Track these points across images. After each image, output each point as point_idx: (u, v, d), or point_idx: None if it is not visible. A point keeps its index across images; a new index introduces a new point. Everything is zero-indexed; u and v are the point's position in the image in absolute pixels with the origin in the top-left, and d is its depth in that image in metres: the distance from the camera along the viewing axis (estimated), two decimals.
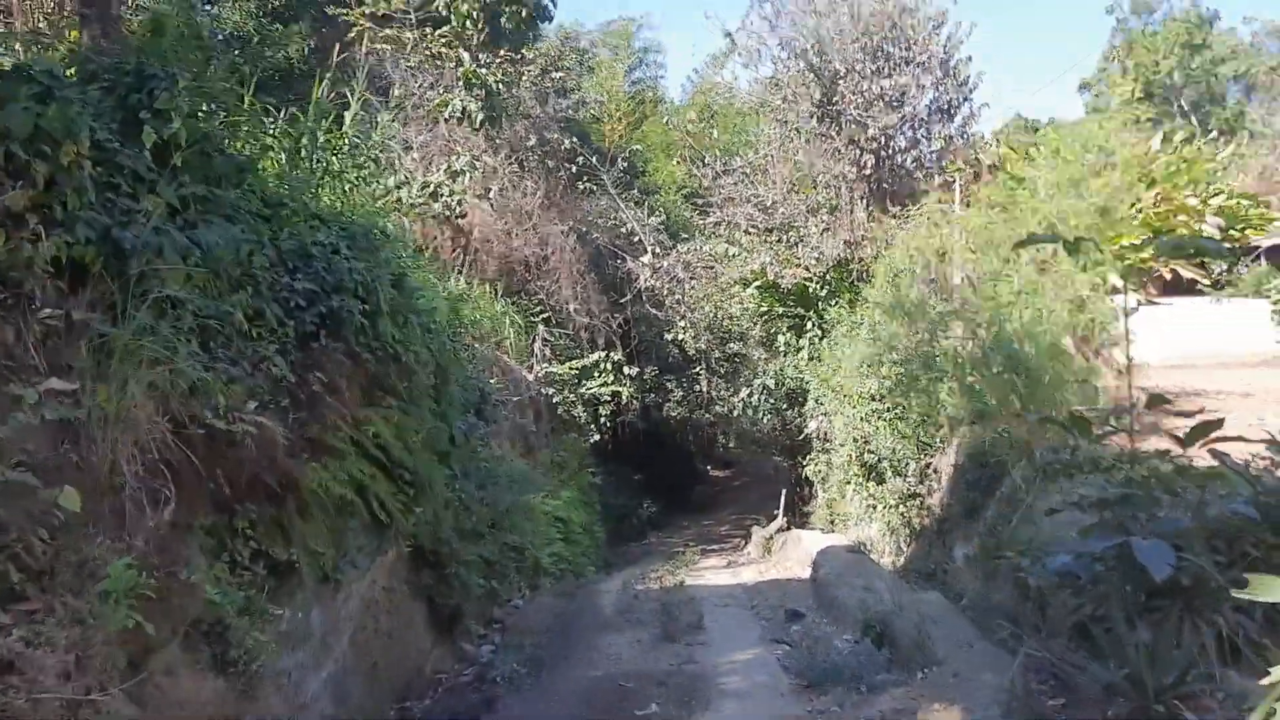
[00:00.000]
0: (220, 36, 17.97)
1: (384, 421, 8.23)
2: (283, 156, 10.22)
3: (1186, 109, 34.55)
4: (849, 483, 18.09)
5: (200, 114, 6.56)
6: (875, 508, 15.47)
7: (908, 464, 14.60)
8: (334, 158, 11.83)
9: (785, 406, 23.55)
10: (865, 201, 20.73)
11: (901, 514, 14.54)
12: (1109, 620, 4.92)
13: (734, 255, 23.25)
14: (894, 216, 17.42)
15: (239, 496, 6.21)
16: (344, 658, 7.77)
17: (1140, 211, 15.16)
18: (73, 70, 7.55)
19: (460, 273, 21.66)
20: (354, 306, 7.56)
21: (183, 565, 5.61)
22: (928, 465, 14.33)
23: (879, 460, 15.05)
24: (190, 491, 5.81)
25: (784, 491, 24.95)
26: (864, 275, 20.50)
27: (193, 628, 5.75)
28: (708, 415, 29.58)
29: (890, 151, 20.65)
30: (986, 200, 14.11)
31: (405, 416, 8.75)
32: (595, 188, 26.19)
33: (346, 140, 12.14)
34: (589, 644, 11.26)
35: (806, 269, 21.56)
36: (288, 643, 6.80)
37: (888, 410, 15.06)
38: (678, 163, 30.09)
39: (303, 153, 10.81)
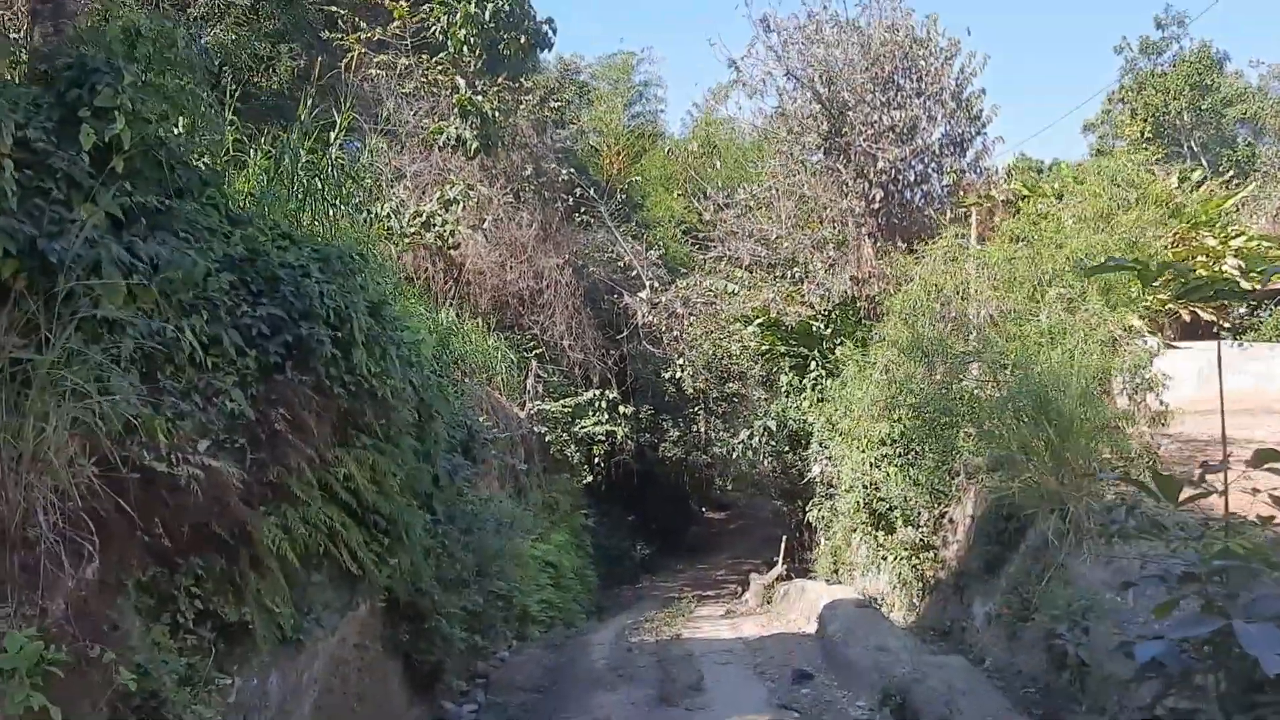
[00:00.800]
0: (206, 54, 17.34)
1: (357, 463, 7.44)
2: (262, 177, 9.54)
3: (1196, 150, 34.14)
4: (855, 530, 17.26)
5: (153, 117, 5.82)
6: (885, 558, 14.65)
7: (920, 513, 13.81)
8: (317, 180, 11.15)
9: (786, 449, 22.75)
10: (873, 237, 20.09)
11: (913, 566, 13.72)
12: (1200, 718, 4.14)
13: (735, 291, 22.56)
14: (909, 252, 16.71)
15: (182, 549, 5.42)
16: None
17: (1162, 250, 14.49)
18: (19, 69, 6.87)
19: (451, 305, 20.95)
20: (324, 335, 6.80)
21: (106, 631, 4.81)
22: (942, 515, 13.54)
23: (890, 508, 14.26)
24: (122, 545, 5.02)
25: (784, 538, 24.11)
26: (872, 313, 19.82)
27: (121, 703, 4.94)
28: (705, 456, 28.75)
29: (900, 185, 20.06)
30: (1010, 234, 13.42)
31: (381, 457, 7.95)
32: (592, 220, 25.55)
33: (331, 161, 11.46)
34: (580, 704, 10.41)
35: (811, 306, 20.87)
36: (239, 715, 5.97)
37: (899, 456, 14.29)
38: (678, 197, 29.48)
39: (283, 173, 10.12)
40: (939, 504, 13.76)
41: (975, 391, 11.52)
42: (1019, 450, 10.25)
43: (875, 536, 15.57)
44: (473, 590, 12.36)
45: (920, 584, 13.76)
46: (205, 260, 5.89)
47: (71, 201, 5.11)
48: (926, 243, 17.01)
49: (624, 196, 27.60)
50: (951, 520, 13.34)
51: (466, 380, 17.93)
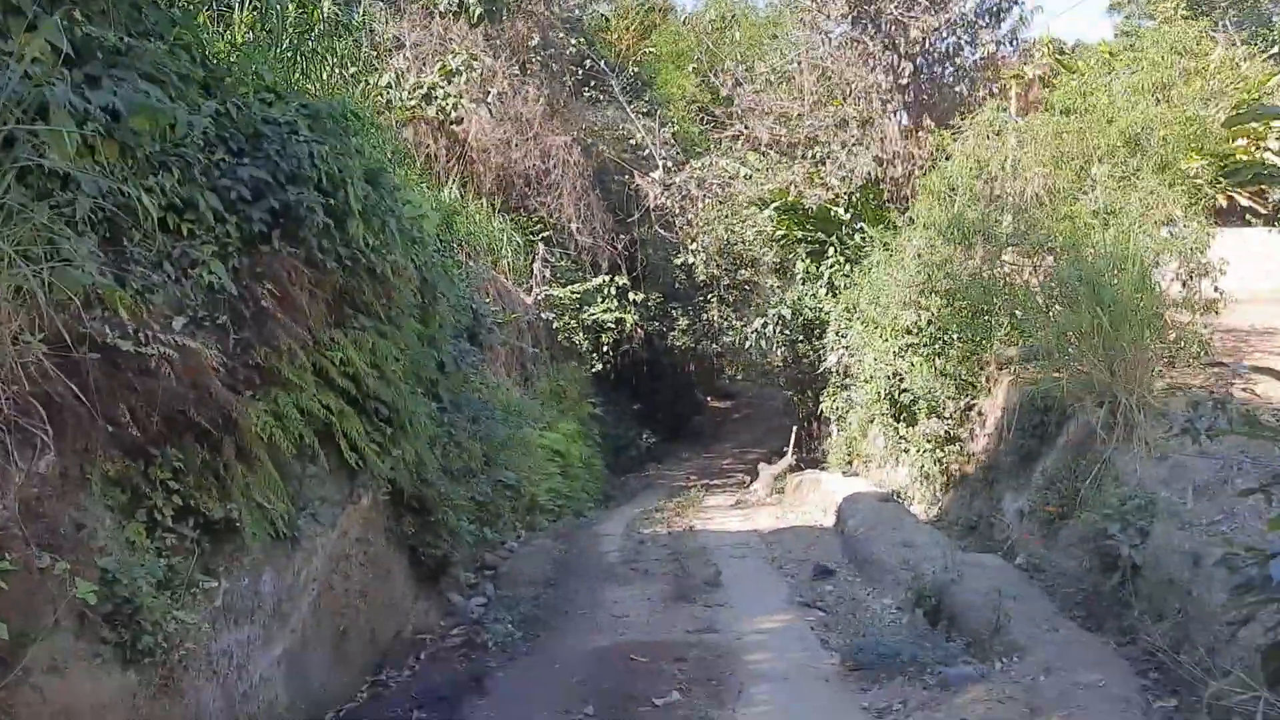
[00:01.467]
0: None
1: (355, 346, 6.79)
2: (247, 34, 8.64)
3: (1230, 29, 32.51)
4: (873, 422, 16.71)
5: None
6: (907, 451, 14.11)
7: (945, 404, 13.20)
8: (308, 39, 10.25)
9: (800, 338, 22.05)
10: (900, 115, 19.03)
11: (937, 459, 13.18)
12: None
13: (751, 175, 21.53)
14: (948, 127, 15.63)
15: (156, 439, 4.79)
16: (304, 627, 6.44)
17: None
18: None
19: (455, 184, 20.06)
20: (315, 201, 6.06)
21: (66, 533, 4.21)
22: (969, 407, 12.93)
23: (913, 400, 13.65)
24: (82, 434, 4.38)
25: (794, 429, 23.64)
26: (896, 197, 18.92)
27: (90, 611, 4.39)
28: (714, 345, 28.13)
29: (931, 59, 18.92)
30: (1057, 106, 12.44)
31: (382, 340, 7.30)
32: (602, 97, 24.35)
33: (323, 17, 10.53)
34: (592, 599, 9.98)
35: (832, 189, 19.90)
36: (228, 618, 5.45)
37: (925, 345, 13.62)
38: (691, 74, 28.06)
39: (270, 29, 9.22)
40: (965, 395, 13.15)
41: (1019, 275, 10.75)
42: (1063, 338, 9.59)
43: (895, 428, 15.02)
44: (481, 480, 11.88)
45: (944, 478, 13.26)
46: (176, 109, 5.11)
47: (8, 28, 4.32)
48: (960, 121, 15.99)
49: (635, 72, 26.28)
50: (980, 413, 12.75)
51: (471, 263, 17.20)
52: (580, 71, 23.77)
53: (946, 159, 14.00)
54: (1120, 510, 7.60)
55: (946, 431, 13.22)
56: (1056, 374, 9.97)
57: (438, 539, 9.12)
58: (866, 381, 16.13)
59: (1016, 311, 12.05)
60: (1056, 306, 9.38)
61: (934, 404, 13.43)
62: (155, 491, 4.81)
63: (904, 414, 14.62)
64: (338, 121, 6.54)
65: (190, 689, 4.95)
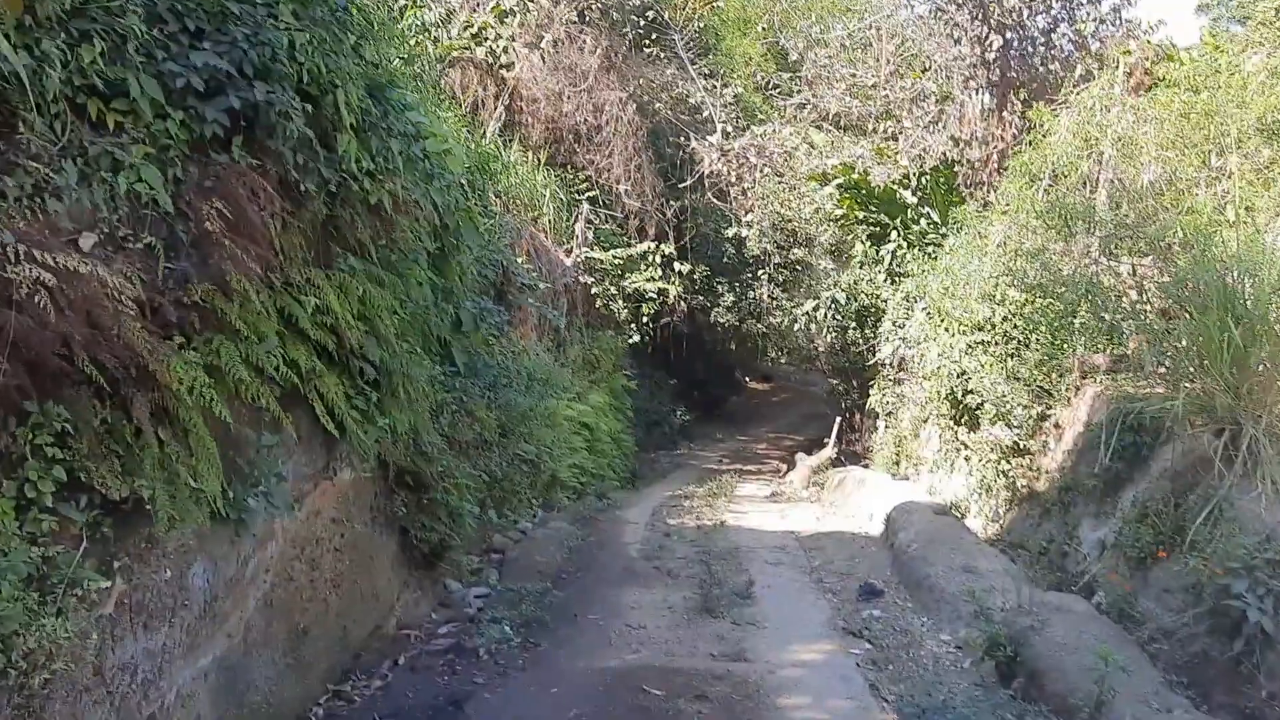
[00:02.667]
0: None
1: (339, 291, 5.57)
2: None
3: None
4: (927, 421, 15.35)
5: None
6: (968, 458, 12.74)
7: (1015, 411, 11.81)
8: None
9: (852, 325, 20.64)
10: (983, 94, 17.49)
11: (1002, 471, 11.82)
12: None
13: (818, 146, 20.03)
14: (1048, 101, 14.03)
15: (28, 391, 3.61)
16: (248, 629, 5.29)
17: None
18: None
19: (499, 131, 18.82)
20: (292, 106, 4.82)
21: None
22: (1043, 416, 11.54)
23: (980, 402, 12.27)
24: None
25: (837, 420, 22.30)
26: (971, 182, 17.40)
27: None
28: (759, 325, 26.77)
29: (1023, 34, 17.35)
30: (1182, 83, 10.92)
31: (377, 288, 6.09)
32: (663, 54, 22.91)
33: None
34: (606, 603, 8.79)
35: (902, 167, 18.39)
36: (135, 622, 4.29)
37: (997, 343, 12.22)
38: (762, 31, 26.37)
39: None
40: (1040, 403, 11.75)
41: (1119, 274, 9.34)
42: (1178, 350, 8.20)
43: (954, 431, 13.66)
44: (495, 454, 10.73)
45: (1008, 493, 11.88)
46: None
47: None
48: (1048, 103, 14.44)
49: (699, 30, 24.74)
50: (1056, 424, 11.34)
51: (509, 215, 15.99)
52: (642, 24, 22.33)
53: (1044, 137, 12.50)
54: (1248, 563, 6.26)
55: (1015, 441, 11.83)
56: (1160, 390, 8.58)
57: (434, 521, 7.97)
58: (925, 378, 14.75)
59: (1105, 315, 10.66)
60: (1173, 312, 7.96)
61: (1003, 409, 12.04)
62: (29, 461, 3.64)
63: (966, 417, 13.24)
64: (333, 9, 5.29)
65: (61, 718, 3.80)
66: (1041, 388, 11.72)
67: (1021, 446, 11.83)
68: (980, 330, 12.81)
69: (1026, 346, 11.93)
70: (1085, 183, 10.74)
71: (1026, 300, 11.37)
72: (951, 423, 13.71)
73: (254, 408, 4.88)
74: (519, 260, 13.21)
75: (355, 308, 5.72)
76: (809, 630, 8.18)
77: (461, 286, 9.31)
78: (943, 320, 13.66)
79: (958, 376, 13.04)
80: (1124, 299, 9.49)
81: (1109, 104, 11.40)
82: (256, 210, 4.64)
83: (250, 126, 4.70)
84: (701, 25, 25.13)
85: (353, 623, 6.73)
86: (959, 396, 13.19)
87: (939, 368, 13.57)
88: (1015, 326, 12.13)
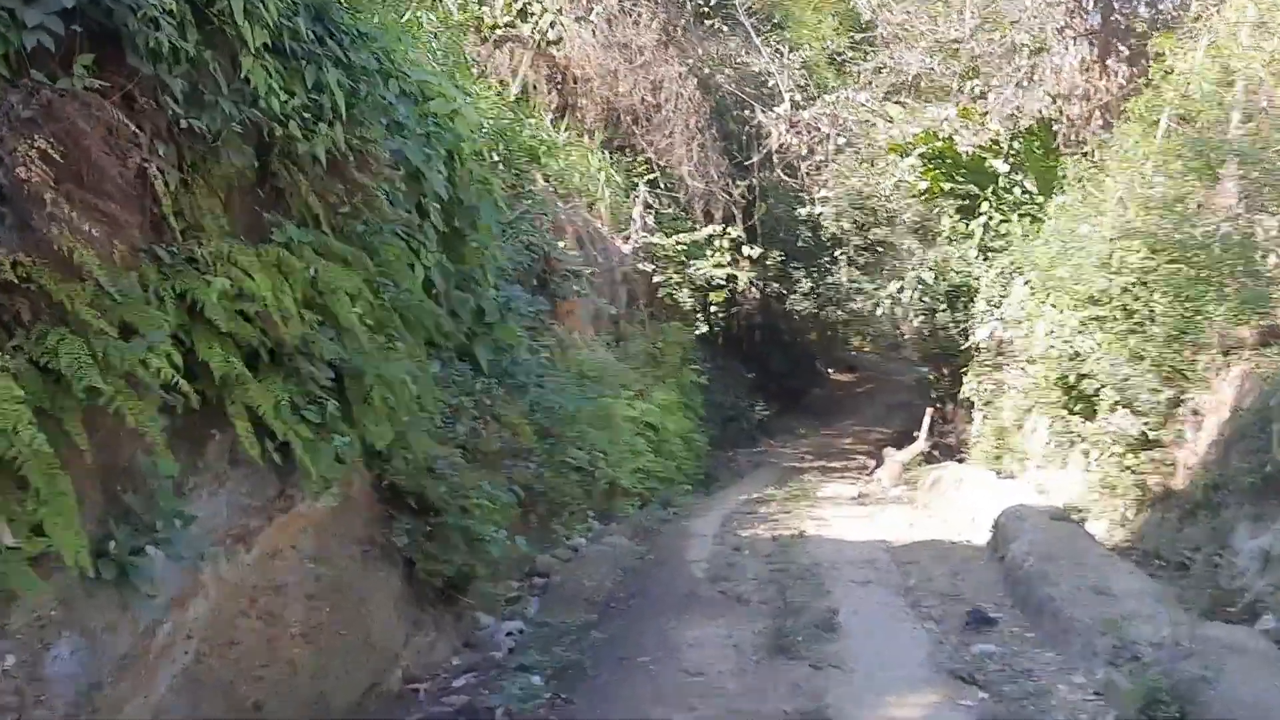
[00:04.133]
0: None
1: (272, 270, 4.26)
2: None
3: None
4: (1032, 410, 13.63)
5: None
6: (1086, 453, 11.06)
7: (1141, 396, 10.10)
8: None
9: (942, 306, 18.92)
10: (1082, 41, 15.62)
11: (1127, 467, 10.14)
12: None
13: (898, 113, 18.32)
14: (1135, 57, 12.22)
15: None
16: (158, 715, 4.01)
17: None
18: None
19: (550, 117, 17.58)
20: (159, 11, 3.50)
21: None
22: (1177, 401, 9.81)
23: (1099, 387, 10.59)
24: None
25: (928, 411, 20.58)
26: (1072, 141, 15.55)
27: None
28: (840, 312, 25.10)
29: None
30: None
31: (338, 267, 4.77)
32: (725, 25, 21.39)
33: None
34: (661, 639, 7.38)
35: (992, 129, 16.62)
36: None
37: (1115, 318, 10.53)
38: (823, 9, 24.78)
39: None
40: (1172, 386, 10.02)
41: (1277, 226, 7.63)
42: None
43: (1067, 421, 11.97)
44: (534, 463, 9.41)
45: (1137, 492, 10.16)
46: None
47: None
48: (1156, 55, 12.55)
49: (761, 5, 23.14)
50: (1195, 411, 9.61)
51: (559, 201, 14.70)
52: None
53: (1165, 76, 10.71)
54: None
55: (1143, 432, 10.12)
56: None
57: (447, 550, 6.64)
58: (1029, 361, 13.06)
59: (1250, 279, 8.93)
60: None
61: (1126, 394, 10.33)
62: None
63: (1080, 404, 11.55)
64: None
65: None
66: (1173, 368, 10.00)
67: (1150, 438, 10.12)
68: (1095, 304, 11.11)
69: (1152, 320, 10.20)
70: (1234, 108, 8.96)
71: (1152, 264, 9.65)
72: (1063, 411, 12.03)
73: (122, 426, 3.59)
74: (561, 245, 11.84)
75: (300, 291, 4.42)
76: (906, 673, 6.65)
77: (484, 273, 8.00)
78: (1048, 295, 11.96)
79: (1069, 358, 11.35)
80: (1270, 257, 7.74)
81: (1263, 17, 9.41)
82: (117, 157, 3.33)
83: (106, 41, 3.40)
84: None
85: (335, 684, 5.44)
86: (1071, 381, 11.50)
87: (1047, 349, 11.87)
88: (1137, 298, 10.40)
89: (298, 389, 4.55)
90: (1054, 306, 11.73)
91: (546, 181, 14.70)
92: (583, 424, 11.14)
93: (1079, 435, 11.54)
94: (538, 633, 7.39)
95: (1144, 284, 10.00)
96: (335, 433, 4.76)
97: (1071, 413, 11.78)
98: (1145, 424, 10.09)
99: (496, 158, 9.47)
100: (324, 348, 4.55)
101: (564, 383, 10.77)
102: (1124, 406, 10.36)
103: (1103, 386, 10.56)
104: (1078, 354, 11.11)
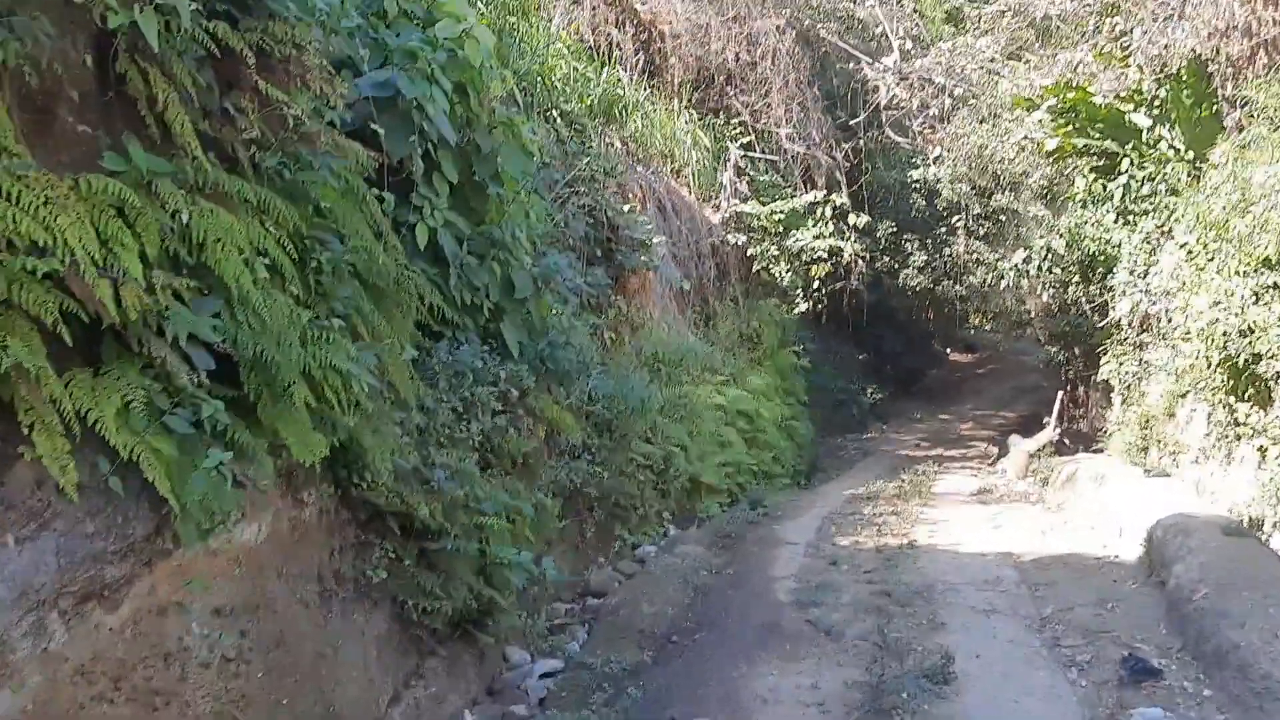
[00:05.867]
0: None
1: (80, 206, 2.92)
2: None
3: None
4: (1187, 395, 11.62)
5: None
6: (1263, 449, 9.12)
7: None
8: None
9: (1075, 278, 16.77)
10: None
11: None
12: None
13: (1026, 62, 16.25)
14: None
15: None
16: None
17: None
18: None
19: (636, 79, 16.11)
20: None
21: None
22: None
23: (1278, 370, 8.66)
24: None
25: (1059, 395, 18.51)
26: (1233, 80, 13.35)
27: None
28: (958, 287, 23.04)
29: None
30: None
31: (229, 216, 3.42)
32: None
33: None
34: (724, 690, 5.91)
35: (1131, 77, 14.49)
36: None
37: None
38: None
39: None
40: None
41: None
42: None
43: (1232, 408, 10.00)
44: (584, 463, 8.02)
45: None
46: None
47: None
48: None
49: None
50: None
51: (637, 165, 13.26)
52: None
53: None
54: None
55: None
56: None
57: (450, 582, 5.29)
58: (1184, 338, 11.07)
59: None
60: None
61: None
62: None
63: (1252, 389, 9.59)
64: None
65: None
66: None
67: None
68: (1270, 268, 9.15)
69: None
70: None
71: None
72: (1229, 397, 10.05)
73: None
74: (627, 209, 10.35)
75: (153, 247, 3.06)
76: None
77: (513, 237, 6.61)
78: (1213, 259, 9.99)
79: (1240, 334, 9.39)
80: None
81: None
82: None
83: None
84: None
85: None
86: (1241, 362, 9.54)
87: (1209, 324, 9.91)
88: None
89: (165, 382, 3.22)
90: (1219, 273, 9.75)
91: (624, 144, 13.29)
92: (655, 415, 9.70)
93: (1250, 427, 9.58)
94: (575, 679, 6.01)
95: None
96: (233, 443, 3.41)
97: (1239, 399, 9.81)
98: None
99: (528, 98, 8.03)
100: (199, 325, 3.20)
101: (629, 369, 9.34)
102: None
103: None
104: (1251, 328, 9.15)
